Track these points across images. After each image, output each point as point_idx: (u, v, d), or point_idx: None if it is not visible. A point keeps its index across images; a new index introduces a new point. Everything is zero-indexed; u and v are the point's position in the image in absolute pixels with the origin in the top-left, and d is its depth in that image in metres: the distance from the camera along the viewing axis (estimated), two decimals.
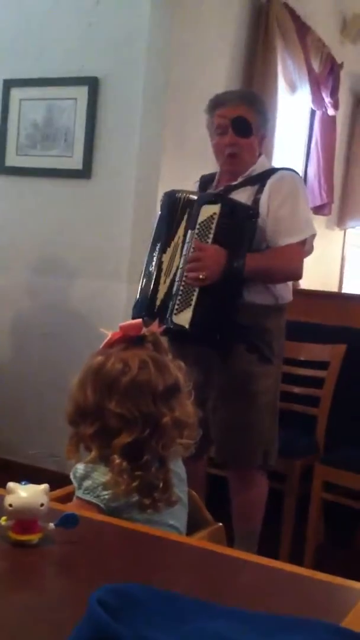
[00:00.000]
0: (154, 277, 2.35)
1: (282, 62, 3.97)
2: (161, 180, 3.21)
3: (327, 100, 4.49)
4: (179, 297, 2.27)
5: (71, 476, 1.39)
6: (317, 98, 4.37)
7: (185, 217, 2.32)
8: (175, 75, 3.26)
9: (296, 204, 2.40)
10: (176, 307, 2.27)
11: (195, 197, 2.34)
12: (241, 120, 2.38)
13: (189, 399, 1.43)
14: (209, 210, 2.27)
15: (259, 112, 2.46)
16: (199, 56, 3.44)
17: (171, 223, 2.35)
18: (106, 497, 1.33)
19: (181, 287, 2.27)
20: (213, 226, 2.26)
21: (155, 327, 1.49)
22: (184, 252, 2.29)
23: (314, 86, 4.28)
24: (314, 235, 2.45)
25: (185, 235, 2.30)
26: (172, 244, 2.34)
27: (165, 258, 2.35)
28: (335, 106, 4.59)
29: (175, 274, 2.30)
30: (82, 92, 3.30)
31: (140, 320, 1.48)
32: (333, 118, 4.65)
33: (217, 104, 2.45)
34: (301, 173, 4.59)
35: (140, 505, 1.34)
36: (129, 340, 1.42)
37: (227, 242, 2.27)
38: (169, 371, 1.39)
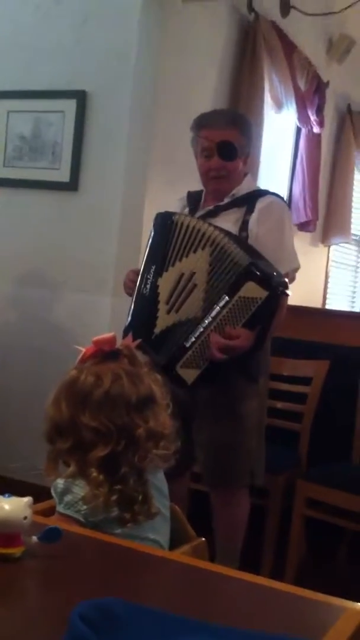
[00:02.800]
0: (147, 301, 2.27)
1: (269, 80, 4.02)
2: (147, 193, 3.23)
3: (313, 118, 4.54)
4: (191, 353, 2.20)
5: (52, 491, 1.39)
6: (302, 116, 4.42)
7: (203, 252, 2.20)
8: (162, 91, 3.29)
9: (282, 235, 2.39)
10: (185, 359, 2.20)
11: (245, 262, 2.16)
12: (227, 144, 2.36)
13: (165, 411, 1.43)
14: (255, 291, 2.16)
15: (245, 134, 2.44)
16: (187, 73, 3.47)
17: (169, 247, 2.26)
18: (87, 511, 1.33)
19: (197, 346, 2.19)
20: (253, 310, 2.17)
21: (130, 340, 1.49)
22: (211, 314, 2.18)
23: (299, 104, 4.32)
24: (297, 269, 2.45)
25: (215, 288, 2.18)
26: (174, 271, 2.24)
27: (163, 283, 2.25)
28: (321, 124, 4.64)
29: (191, 322, 2.20)
30: (70, 106, 3.31)
31: (113, 334, 1.47)
32: (318, 136, 4.70)
33: (202, 124, 2.42)
34: (286, 190, 4.64)
35: (121, 520, 1.34)
36: (104, 354, 1.43)
37: (258, 325, 2.21)
38: (143, 383, 1.40)
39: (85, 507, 1.33)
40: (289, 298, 2.50)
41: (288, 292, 2.26)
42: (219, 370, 2.22)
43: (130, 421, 1.35)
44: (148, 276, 2.29)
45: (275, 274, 2.23)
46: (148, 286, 2.28)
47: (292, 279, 2.45)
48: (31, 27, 3.44)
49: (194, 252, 2.23)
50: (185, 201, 2.55)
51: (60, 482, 1.38)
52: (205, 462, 2.43)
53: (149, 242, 2.35)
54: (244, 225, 2.36)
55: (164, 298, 2.25)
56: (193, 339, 2.20)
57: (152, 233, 2.35)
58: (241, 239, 2.32)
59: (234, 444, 2.38)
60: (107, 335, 1.45)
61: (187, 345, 2.21)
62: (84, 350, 1.44)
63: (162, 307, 2.25)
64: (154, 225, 2.36)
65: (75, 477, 1.36)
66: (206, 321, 2.19)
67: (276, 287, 2.20)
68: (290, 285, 2.45)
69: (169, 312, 2.24)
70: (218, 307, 2.19)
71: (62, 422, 1.37)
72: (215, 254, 2.21)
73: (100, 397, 1.35)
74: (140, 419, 1.36)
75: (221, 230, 2.26)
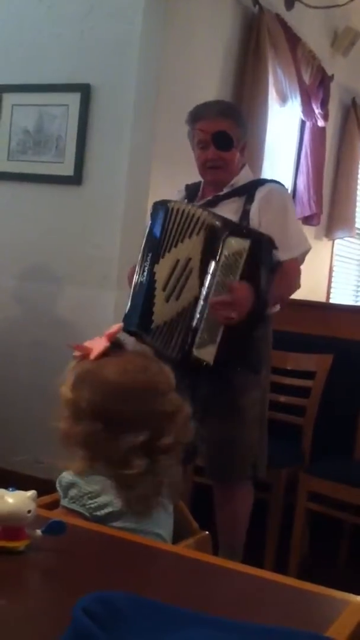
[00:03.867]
0: (145, 289, 2.27)
1: (273, 73, 4.00)
2: (151, 187, 3.22)
3: (317, 111, 4.52)
4: (202, 332, 2.20)
5: (57, 485, 1.38)
6: (307, 109, 4.40)
7: (198, 237, 2.22)
8: (166, 84, 3.28)
9: (286, 219, 2.40)
10: (198, 340, 2.20)
11: (217, 223, 2.21)
12: (222, 134, 2.38)
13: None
14: (237, 245, 2.20)
15: (239, 124, 2.46)
16: (190, 65, 3.46)
17: (164, 234, 2.28)
18: (92, 506, 1.33)
19: (203, 320, 2.19)
20: (241, 263, 2.20)
21: (115, 328, 1.47)
22: (205, 284, 2.19)
23: (304, 97, 4.31)
24: (307, 251, 2.46)
25: (204, 264, 2.20)
26: (170, 257, 2.25)
27: (160, 270, 2.26)
28: (325, 118, 4.62)
29: (192, 304, 2.20)
30: (74, 99, 3.31)
31: (120, 325, 1.47)
32: (323, 129, 4.68)
33: (197, 117, 2.45)
34: (291, 184, 4.63)
35: (136, 513, 1.33)
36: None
37: (254, 279, 2.22)
38: (164, 372, 1.41)
39: (91, 501, 1.32)
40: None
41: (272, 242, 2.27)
42: (235, 342, 2.21)
43: (156, 410, 1.35)
44: (145, 264, 2.30)
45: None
46: (145, 274, 2.29)
47: (301, 262, 2.46)
48: (35, 20, 3.44)
49: (189, 237, 2.24)
50: (184, 193, 2.57)
51: (66, 476, 1.37)
52: (207, 456, 2.44)
53: (146, 231, 2.37)
54: (245, 214, 2.37)
55: (160, 285, 2.26)
56: (197, 316, 2.20)
57: (149, 222, 2.37)
58: (234, 222, 2.32)
59: (235, 437, 2.38)
60: (114, 327, 1.45)
61: (194, 324, 2.20)
62: (93, 348, 1.42)
63: (159, 294, 2.25)
64: (151, 214, 2.38)
65: (83, 471, 1.35)
66: (203, 293, 2.20)
67: (255, 234, 2.23)
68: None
69: (167, 299, 2.25)
70: (209, 275, 2.20)
71: (124, 417, 1.34)
72: (208, 236, 2.22)
73: (138, 387, 1.35)
74: (165, 407, 1.37)
75: (215, 214, 2.27)
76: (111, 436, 1.33)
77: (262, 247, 2.25)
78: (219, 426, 2.38)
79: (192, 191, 2.56)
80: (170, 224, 2.28)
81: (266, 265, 2.27)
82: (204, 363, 2.21)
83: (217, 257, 2.19)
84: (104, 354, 1.39)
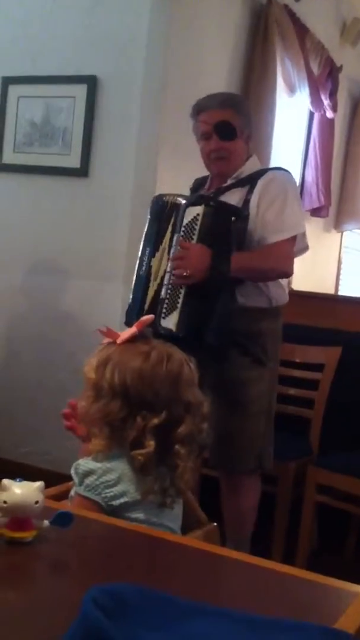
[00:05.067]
0: (143, 281, 2.36)
1: (281, 64, 3.98)
2: (158, 179, 3.21)
3: (326, 102, 4.50)
4: (166, 301, 2.27)
5: (72, 472, 1.37)
6: (315, 100, 4.38)
7: (172, 221, 2.32)
8: (173, 76, 3.26)
9: (284, 203, 2.38)
10: (164, 311, 2.26)
11: (182, 201, 2.33)
12: (224, 124, 2.39)
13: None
14: (193, 212, 2.28)
15: (241, 114, 2.45)
16: (198, 57, 3.44)
17: (159, 227, 2.35)
18: (108, 495, 1.32)
19: (168, 291, 2.27)
20: (197, 226, 2.26)
21: (146, 319, 1.48)
22: (171, 256, 2.30)
23: (312, 88, 4.28)
24: (304, 234, 2.44)
25: (172, 239, 2.30)
26: (160, 248, 2.34)
27: (155, 262, 2.35)
28: (334, 109, 4.60)
29: (162, 278, 2.31)
30: (80, 91, 3.30)
31: (151, 316, 1.53)
32: (331, 121, 4.66)
33: (199, 109, 2.46)
34: (299, 175, 4.60)
35: (157, 504, 1.34)
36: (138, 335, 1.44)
37: (212, 242, 2.26)
38: (192, 365, 1.44)
39: (108, 490, 1.31)
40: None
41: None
42: (200, 307, 2.24)
43: (175, 397, 1.35)
44: (144, 258, 2.39)
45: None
46: (143, 268, 2.37)
47: (304, 246, 2.44)
48: (41, 12, 3.42)
49: (170, 224, 2.33)
50: (191, 188, 2.61)
51: (83, 464, 1.36)
52: (212, 447, 2.44)
53: (145, 226, 2.43)
54: (246, 204, 2.37)
55: (153, 275, 2.35)
56: (164, 289, 2.29)
57: (148, 216, 2.43)
58: (198, 195, 2.41)
59: (240, 431, 2.38)
60: (146, 317, 1.47)
61: (162, 296, 2.29)
62: (121, 333, 1.43)
63: (151, 284, 2.35)
64: (149, 209, 2.44)
65: (100, 450, 1.34)
66: (168, 265, 2.29)
67: (211, 200, 2.33)
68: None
69: (153, 285, 2.34)
70: (174, 247, 2.29)
71: (105, 387, 1.35)
72: (175, 215, 2.32)
73: (158, 373, 1.35)
74: (186, 397, 1.37)
75: (184, 196, 2.37)
76: (127, 414, 1.34)
77: (219, 210, 2.30)
78: (224, 417, 2.38)
79: (199, 184, 2.58)
80: (161, 217, 2.35)
81: (224, 228, 2.29)
82: (170, 332, 2.23)
83: (179, 229, 2.29)
84: (130, 340, 1.41)
